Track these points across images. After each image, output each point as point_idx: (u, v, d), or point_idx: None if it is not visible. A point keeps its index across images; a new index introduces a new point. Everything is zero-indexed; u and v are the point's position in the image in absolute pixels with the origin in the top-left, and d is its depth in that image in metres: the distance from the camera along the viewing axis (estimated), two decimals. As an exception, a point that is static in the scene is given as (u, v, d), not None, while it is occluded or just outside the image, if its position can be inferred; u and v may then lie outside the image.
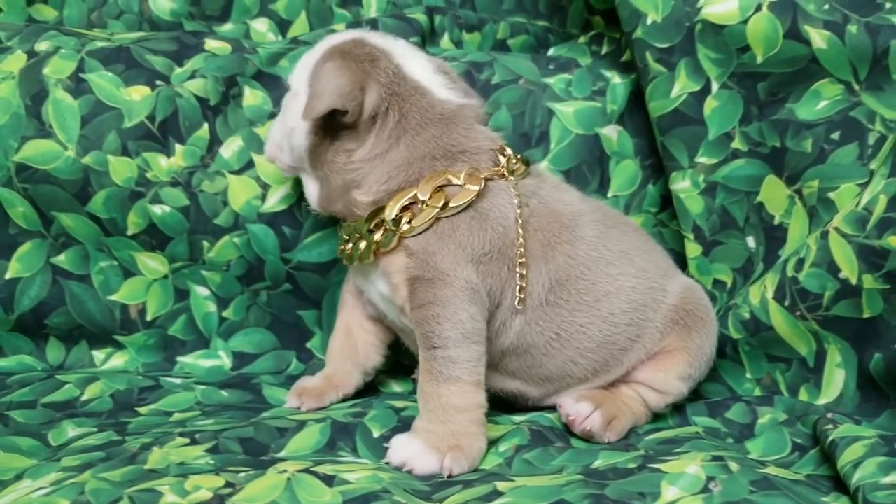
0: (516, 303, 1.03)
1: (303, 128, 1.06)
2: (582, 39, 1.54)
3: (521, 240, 1.03)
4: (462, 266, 1.00)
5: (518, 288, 1.03)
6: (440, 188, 1.01)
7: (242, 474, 0.85)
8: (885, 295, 1.09)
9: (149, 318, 1.31)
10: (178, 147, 1.27)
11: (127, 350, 1.31)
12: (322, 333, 1.34)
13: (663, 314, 1.12)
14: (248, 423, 1.01)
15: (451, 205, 1.00)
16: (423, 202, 1.00)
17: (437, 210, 1.00)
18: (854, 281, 1.11)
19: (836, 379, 1.16)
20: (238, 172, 1.29)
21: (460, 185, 1.01)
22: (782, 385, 1.21)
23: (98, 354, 1.31)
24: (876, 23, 1.17)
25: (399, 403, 1.12)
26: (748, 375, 1.24)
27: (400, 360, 1.27)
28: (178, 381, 1.23)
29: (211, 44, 1.32)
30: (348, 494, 0.83)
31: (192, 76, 1.28)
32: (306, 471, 0.87)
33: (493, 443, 1.00)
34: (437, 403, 0.97)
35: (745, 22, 1.22)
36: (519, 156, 1.09)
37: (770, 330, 1.19)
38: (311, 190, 1.12)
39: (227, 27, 1.50)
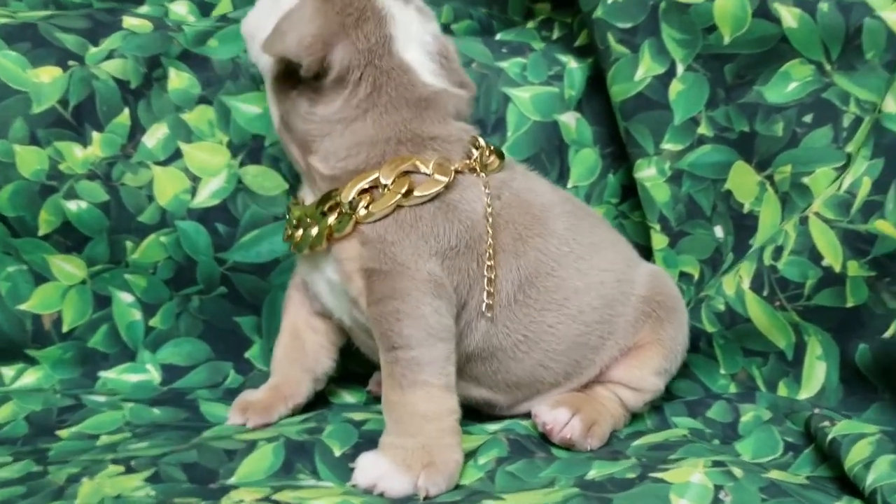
0: (483, 307, 0.94)
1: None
2: (530, 24, 1.46)
3: (489, 239, 0.93)
4: (424, 259, 0.90)
5: (486, 293, 0.94)
6: (405, 174, 0.90)
7: (191, 508, 0.73)
8: (871, 282, 1.04)
9: (65, 328, 1.16)
10: (95, 135, 1.13)
11: (41, 366, 1.16)
12: (262, 341, 1.22)
13: (633, 307, 1.05)
14: (190, 446, 0.88)
15: (415, 193, 0.90)
16: (385, 187, 0.90)
17: (400, 197, 0.89)
18: (838, 268, 1.05)
19: (817, 372, 1.11)
20: (164, 163, 1.15)
21: (427, 174, 0.91)
22: (759, 380, 1.15)
23: (7, 371, 1.16)
24: (847, 1, 1.12)
25: (357, 416, 1.01)
26: (722, 371, 1.18)
27: (352, 368, 1.16)
28: (102, 398, 1.09)
29: (129, 21, 1.19)
30: (318, 525, 0.72)
31: (110, 56, 1.14)
32: (266, 500, 0.75)
33: (469, 455, 0.90)
34: (404, 413, 0.87)
35: (712, 0, 1.16)
36: (492, 148, 0.99)
37: (747, 322, 1.13)
38: (273, 109, 0.99)
39: (142, 10, 1.35)
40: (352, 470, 0.87)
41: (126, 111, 1.14)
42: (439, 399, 0.88)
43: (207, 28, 1.21)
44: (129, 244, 1.15)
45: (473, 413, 1.02)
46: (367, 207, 0.90)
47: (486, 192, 0.95)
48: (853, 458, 0.84)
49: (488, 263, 0.93)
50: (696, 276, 1.25)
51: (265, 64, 0.96)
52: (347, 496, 0.79)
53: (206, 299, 1.19)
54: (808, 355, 1.11)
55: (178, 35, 1.18)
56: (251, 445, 0.90)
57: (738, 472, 0.83)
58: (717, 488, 0.79)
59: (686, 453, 0.90)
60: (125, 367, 1.18)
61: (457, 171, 0.93)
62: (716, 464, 0.84)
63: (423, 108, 0.94)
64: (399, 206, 0.90)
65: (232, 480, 0.84)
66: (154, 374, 1.19)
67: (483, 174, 0.95)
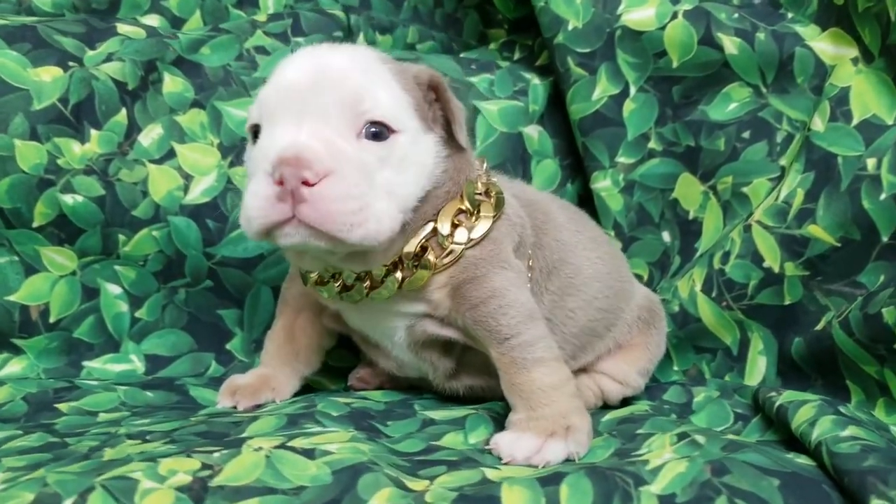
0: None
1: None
2: (492, 46, 1.58)
3: (528, 228, 1.03)
4: (507, 254, 0.97)
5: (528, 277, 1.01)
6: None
7: (217, 454, 0.79)
8: (805, 282, 1.17)
9: (52, 319, 1.20)
10: (93, 132, 1.19)
11: (26, 355, 1.20)
12: (243, 334, 1.28)
13: (632, 309, 1.15)
14: (198, 421, 0.94)
15: (473, 237, 0.96)
16: (473, 213, 0.96)
17: (464, 246, 0.95)
18: (777, 269, 1.18)
19: (759, 365, 1.22)
20: (158, 162, 1.22)
21: (471, 212, 0.97)
22: (707, 374, 1.27)
23: (-9, 359, 1.19)
24: (781, 31, 1.27)
25: (342, 399, 1.07)
26: (675, 368, 1.29)
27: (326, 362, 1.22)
28: (94, 382, 1.13)
29: (124, 27, 1.25)
30: (335, 465, 0.78)
31: (109, 59, 1.21)
32: (282, 446, 0.82)
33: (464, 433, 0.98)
34: (533, 389, 0.92)
35: (663, 28, 1.29)
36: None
37: (698, 322, 1.25)
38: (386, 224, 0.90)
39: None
40: (378, 430, 0.93)
41: (123, 111, 1.20)
42: (557, 369, 0.93)
43: (200, 37, 1.28)
44: (121, 237, 1.20)
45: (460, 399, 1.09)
46: (436, 258, 0.94)
47: (510, 194, 1.03)
48: (799, 418, 0.95)
49: (528, 253, 1.02)
50: (646, 277, 1.37)
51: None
52: (355, 442, 0.86)
53: (192, 292, 1.25)
54: (750, 350, 1.23)
55: (174, 42, 1.25)
56: (254, 417, 0.96)
57: (700, 438, 0.92)
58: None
59: (652, 427, 0.98)
60: (109, 358, 1.23)
61: (486, 193, 0.99)
62: (680, 437, 0.92)
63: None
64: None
65: (245, 434, 0.89)
66: (138, 364, 1.23)
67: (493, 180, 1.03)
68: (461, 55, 1.54)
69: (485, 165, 1.04)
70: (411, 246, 0.94)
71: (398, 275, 0.94)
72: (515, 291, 0.95)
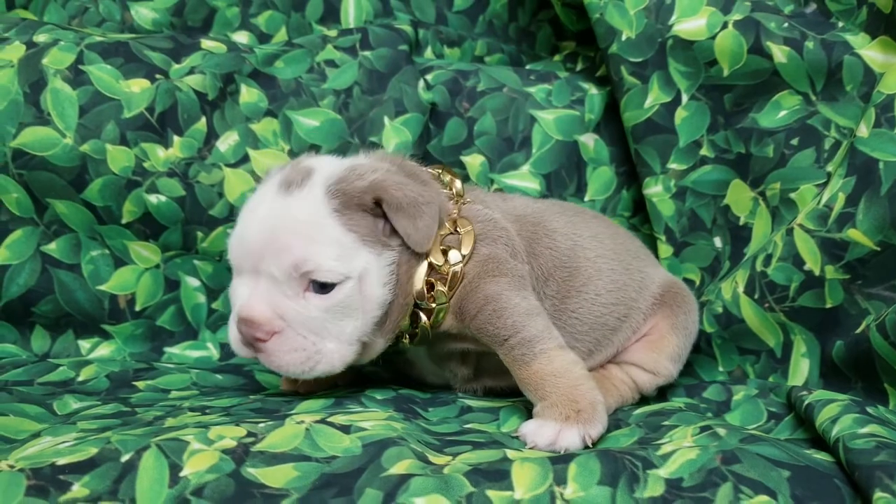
0: None
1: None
2: (556, 58, 1.64)
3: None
4: (498, 262, 1.05)
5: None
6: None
7: (262, 425, 0.88)
8: (846, 285, 1.18)
9: (138, 308, 1.32)
10: (175, 139, 1.30)
11: (114, 340, 1.32)
12: (309, 327, 1.37)
13: (648, 296, 1.19)
14: (255, 400, 1.03)
15: (464, 252, 1.05)
16: (439, 266, 1.04)
17: (461, 263, 1.04)
18: (817, 272, 1.19)
19: (802, 368, 1.23)
20: (234, 166, 1.33)
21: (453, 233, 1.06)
22: (752, 376, 1.28)
23: (84, 344, 1.31)
24: (830, 40, 1.28)
25: (391, 387, 1.15)
26: (720, 368, 1.31)
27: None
28: (171, 365, 1.24)
29: (206, 43, 1.37)
30: (366, 439, 0.86)
31: (191, 72, 1.32)
32: (322, 421, 0.90)
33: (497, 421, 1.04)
34: (536, 380, 0.98)
35: (713, 38, 1.32)
36: (441, 169, 1.14)
37: (741, 323, 1.27)
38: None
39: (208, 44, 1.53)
40: (415, 412, 1.01)
41: (203, 119, 1.32)
42: (558, 356, 0.99)
43: (275, 51, 1.39)
44: (199, 234, 1.31)
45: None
46: (442, 288, 1.03)
47: (481, 205, 1.11)
48: (823, 416, 0.97)
49: (524, 259, 1.09)
50: (698, 282, 1.40)
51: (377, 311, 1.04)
52: (390, 421, 0.93)
53: (262, 286, 1.34)
54: (794, 353, 1.24)
55: (250, 56, 1.36)
56: (306, 397, 1.05)
57: (722, 431, 0.95)
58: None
59: (678, 420, 1.02)
60: (188, 345, 1.34)
61: (458, 215, 1.08)
62: (703, 429, 0.96)
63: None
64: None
65: (293, 411, 0.98)
66: (213, 352, 1.34)
67: (460, 193, 1.11)
68: (527, 66, 1.61)
69: (458, 184, 1.11)
70: (419, 284, 1.03)
71: (423, 320, 1.04)
72: (508, 294, 1.02)
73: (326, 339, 0.99)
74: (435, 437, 0.94)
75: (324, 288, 0.97)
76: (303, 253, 0.96)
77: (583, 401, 0.95)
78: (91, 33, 1.34)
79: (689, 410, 1.11)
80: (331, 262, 0.97)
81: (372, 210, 1.00)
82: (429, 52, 1.58)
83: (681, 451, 0.87)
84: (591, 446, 0.93)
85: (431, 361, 1.15)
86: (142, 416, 0.97)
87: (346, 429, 0.89)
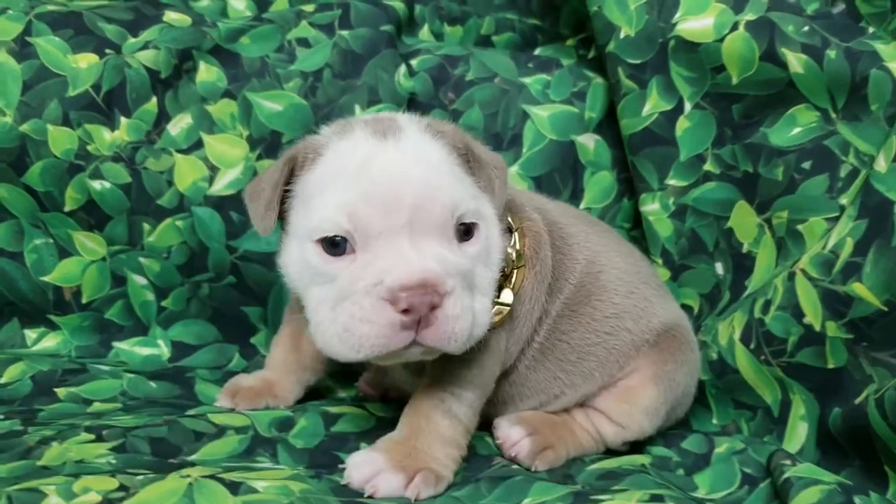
0: None
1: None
2: (570, 42, 1.47)
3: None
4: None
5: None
6: None
7: (140, 477, 0.78)
8: (850, 346, 1.02)
9: (84, 300, 1.23)
10: (122, 120, 1.19)
11: (61, 331, 1.24)
12: (267, 330, 1.27)
13: (644, 330, 1.04)
14: (163, 423, 0.93)
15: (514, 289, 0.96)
16: None
17: (510, 306, 0.95)
18: (818, 327, 1.03)
19: (799, 432, 1.07)
20: (185, 152, 1.21)
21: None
22: (746, 433, 1.13)
23: (30, 334, 1.23)
24: (857, 48, 1.10)
25: (333, 409, 1.04)
26: (714, 421, 1.16)
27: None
28: (106, 367, 1.15)
29: (170, 15, 1.25)
30: (250, 505, 0.76)
31: (145, 47, 1.21)
32: (212, 476, 0.79)
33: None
34: (424, 413, 0.90)
35: (721, 41, 1.15)
36: None
37: (735, 373, 1.12)
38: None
39: (202, 3, 1.40)
40: (335, 465, 0.90)
41: (154, 99, 1.20)
42: (466, 419, 0.92)
43: (241, 26, 1.26)
44: (146, 226, 1.21)
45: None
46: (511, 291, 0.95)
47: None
48: (799, 501, 0.83)
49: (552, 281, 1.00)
50: (696, 309, 1.25)
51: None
52: (290, 481, 0.82)
53: (215, 287, 1.24)
54: (792, 414, 1.08)
55: (213, 30, 1.24)
56: (220, 431, 0.94)
57: (671, 505, 0.82)
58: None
59: (630, 485, 0.89)
60: (138, 340, 1.25)
61: None
62: (653, 497, 0.83)
63: None
64: None
65: (193, 458, 0.88)
66: (164, 350, 1.24)
67: None
68: (536, 50, 1.45)
69: None
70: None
71: None
72: (490, 355, 0.93)
73: (477, 294, 0.85)
74: (340, 499, 0.83)
75: (467, 233, 0.84)
76: (453, 193, 0.83)
77: (434, 467, 0.87)
78: (45, 1, 1.23)
79: (655, 468, 0.97)
80: (471, 202, 0.84)
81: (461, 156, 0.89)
82: (425, 32, 1.43)
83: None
84: (413, 501, 0.83)
85: (405, 370, 1.02)
86: (27, 439, 0.88)
87: (235, 488, 0.79)
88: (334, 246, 0.82)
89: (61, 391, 1.07)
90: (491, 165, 0.90)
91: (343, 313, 0.80)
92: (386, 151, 0.84)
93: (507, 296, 0.93)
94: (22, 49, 1.18)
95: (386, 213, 0.80)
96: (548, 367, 1.01)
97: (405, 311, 0.77)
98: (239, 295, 1.25)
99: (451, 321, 0.79)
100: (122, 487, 0.76)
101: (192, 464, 0.85)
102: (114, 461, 0.84)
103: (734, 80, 1.15)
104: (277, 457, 0.92)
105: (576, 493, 0.85)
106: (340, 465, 0.91)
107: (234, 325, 1.27)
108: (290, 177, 0.88)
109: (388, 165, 0.82)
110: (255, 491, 0.79)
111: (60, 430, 0.90)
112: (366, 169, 0.82)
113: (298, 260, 0.85)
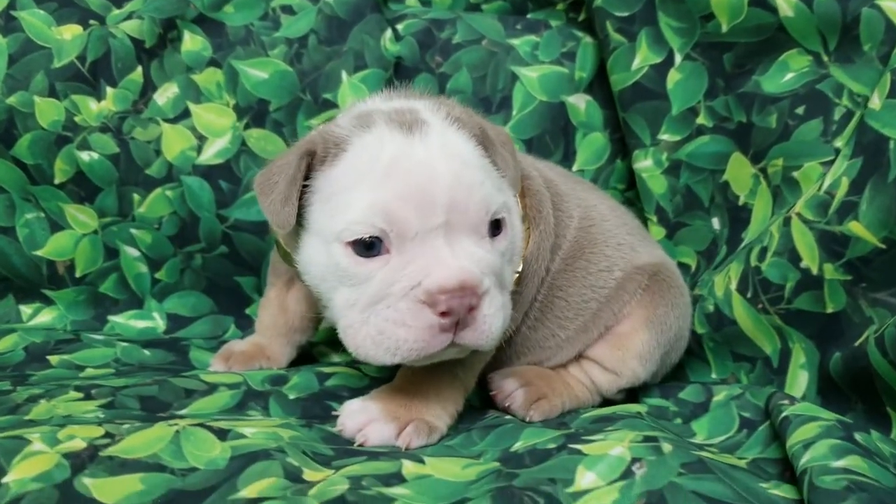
0: None
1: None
2: (560, 6, 1.46)
3: None
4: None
5: None
6: None
7: (126, 425, 0.77)
8: (848, 288, 1.00)
9: (78, 274, 1.23)
10: (109, 90, 1.19)
11: (56, 306, 1.23)
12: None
13: (630, 276, 1.03)
14: (153, 382, 0.92)
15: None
16: None
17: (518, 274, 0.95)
18: (815, 270, 1.01)
19: (800, 381, 1.05)
20: (173, 121, 1.21)
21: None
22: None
23: (25, 309, 1.23)
24: None
25: (327, 369, 1.03)
26: (713, 375, 1.15)
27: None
28: (100, 337, 1.15)
29: (156, -15, 1.25)
30: (238, 450, 0.75)
31: (129, 17, 1.20)
32: (200, 425, 0.78)
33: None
34: (425, 380, 0.89)
35: None
36: None
37: (733, 325, 1.10)
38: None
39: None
40: (328, 415, 0.89)
41: (139, 69, 1.20)
42: (460, 392, 0.92)
43: (226, -5, 1.26)
44: (136, 197, 1.21)
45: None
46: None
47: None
48: (797, 437, 0.81)
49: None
50: (693, 266, 1.23)
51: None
52: (280, 429, 0.82)
53: (208, 258, 1.24)
54: (792, 363, 1.06)
55: (196, 0, 1.23)
56: (212, 388, 0.93)
57: (667, 447, 0.80)
58: (634, 461, 0.77)
59: (624, 426, 0.88)
60: (133, 314, 1.24)
61: None
62: (647, 438, 0.81)
63: None
64: None
65: (183, 412, 0.87)
66: (159, 322, 1.24)
67: None
68: (528, 14, 1.43)
69: None
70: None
71: None
72: None
73: (503, 290, 0.84)
74: (330, 446, 0.82)
75: (496, 228, 0.83)
76: (485, 191, 0.81)
77: (428, 417, 0.87)
78: (33, -27, 1.23)
79: (651, 417, 0.96)
80: (500, 195, 0.83)
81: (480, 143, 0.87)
82: (412, -1, 1.42)
83: (595, 492, 0.73)
84: (404, 450, 0.83)
85: None
86: (14, 397, 0.87)
87: (222, 434, 0.78)
88: (367, 248, 0.79)
89: (54, 358, 1.06)
90: (499, 142, 0.88)
91: (377, 316, 0.78)
92: (414, 148, 0.81)
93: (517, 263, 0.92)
94: (7, 23, 1.18)
95: (422, 214, 0.78)
96: (547, 325, 1.01)
97: (444, 314, 0.76)
98: (232, 265, 1.24)
99: (487, 321, 0.78)
100: (107, 435, 0.75)
101: (182, 417, 0.85)
102: (101, 416, 0.83)
103: (724, 28, 1.14)
104: (269, 409, 0.91)
105: (568, 435, 0.84)
106: (334, 413, 0.90)
107: (228, 296, 1.26)
108: (308, 171, 0.84)
109: (420, 163, 0.80)
110: (243, 436, 0.78)
111: (48, 389, 0.89)
112: (396, 167, 0.80)
113: (323, 261, 0.82)
